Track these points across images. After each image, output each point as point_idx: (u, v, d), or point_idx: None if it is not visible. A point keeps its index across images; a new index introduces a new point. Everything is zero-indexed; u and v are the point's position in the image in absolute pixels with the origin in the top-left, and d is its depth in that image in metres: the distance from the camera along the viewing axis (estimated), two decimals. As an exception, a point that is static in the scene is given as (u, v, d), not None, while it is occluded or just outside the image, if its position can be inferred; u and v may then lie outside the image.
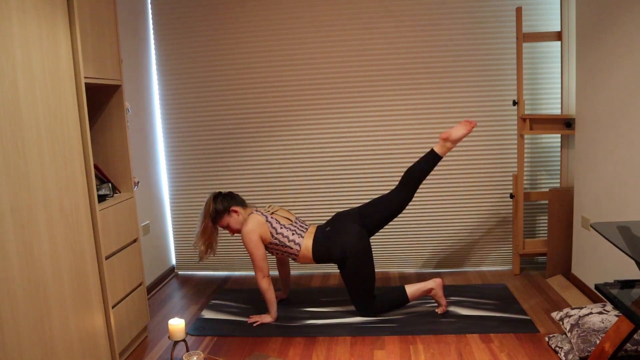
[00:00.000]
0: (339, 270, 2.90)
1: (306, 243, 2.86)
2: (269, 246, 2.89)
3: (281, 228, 2.86)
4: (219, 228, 3.00)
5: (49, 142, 1.98)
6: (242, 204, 2.99)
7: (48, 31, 1.99)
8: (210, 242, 2.95)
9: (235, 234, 3.01)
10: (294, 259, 2.91)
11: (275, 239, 2.85)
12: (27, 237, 1.83)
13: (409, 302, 2.89)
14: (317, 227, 2.96)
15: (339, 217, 2.94)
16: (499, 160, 3.57)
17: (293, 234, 2.87)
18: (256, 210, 2.94)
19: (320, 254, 2.86)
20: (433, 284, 2.88)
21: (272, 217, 2.89)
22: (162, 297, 3.44)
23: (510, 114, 3.52)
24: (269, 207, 3.01)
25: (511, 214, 3.62)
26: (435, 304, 3.02)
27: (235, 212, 2.92)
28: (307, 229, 2.95)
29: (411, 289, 2.88)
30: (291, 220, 2.94)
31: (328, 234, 2.87)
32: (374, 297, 2.88)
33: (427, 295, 2.92)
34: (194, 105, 3.72)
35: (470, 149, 3.57)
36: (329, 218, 3.70)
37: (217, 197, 2.95)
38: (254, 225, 2.83)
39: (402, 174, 3.60)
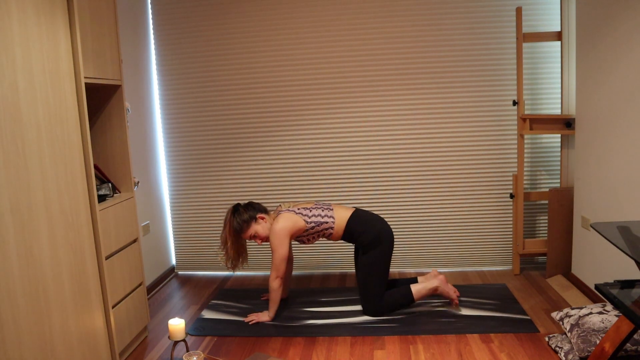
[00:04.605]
0: (359, 259, 2.92)
1: (339, 215, 2.93)
2: (306, 234, 2.91)
3: (311, 211, 2.92)
4: (246, 240, 2.99)
5: (49, 142, 1.98)
6: (265, 210, 2.98)
7: (48, 31, 1.99)
8: (232, 256, 2.94)
9: (264, 243, 3.00)
10: (330, 234, 2.94)
11: (312, 222, 2.89)
12: (27, 237, 1.83)
13: (414, 301, 2.93)
14: (357, 208, 3.03)
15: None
16: (499, 160, 3.57)
17: (323, 210, 2.94)
18: (288, 209, 2.94)
19: (354, 227, 2.91)
20: (437, 282, 2.93)
21: (298, 209, 2.94)
22: (162, 297, 3.44)
23: (510, 114, 3.52)
24: (288, 205, 3.02)
25: (511, 214, 3.62)
26: (439, 305, 3.02)
27: (262, 218, 2.92)
28: (330, 204, 3.01)
29: (416, 288, 2.92)
30: (313, 203, 3.02)
31: (369, 215, 2.95)
32: (382, 298, 2.90)
33: (434, 294, 2.96)
34: (194, 105, 3.72)
35: (470, 149, 3.57)
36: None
37: (237, 208, 2.92)
38: (286, 222, 2.83)
39: (401, 174, 3.62)
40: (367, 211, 3.01)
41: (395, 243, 3.72)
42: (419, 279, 3.09)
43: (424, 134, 3.58)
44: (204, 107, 3.71)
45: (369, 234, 2.88)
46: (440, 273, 3.12)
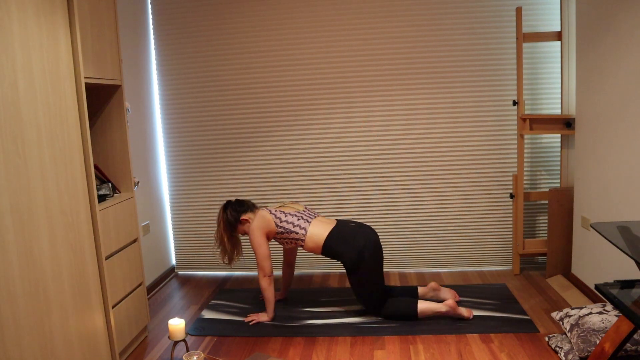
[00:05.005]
0: (345, 271, 2.89)
1: (316, 230, 2.83)
2: (277, 237, 2.90)
3: (286, 216, 2.88)
4: (239, 235, 3.03)
5: (49, 142, 1.98)
6: (252, 208, 2.97)
7: (48, 31, 1.99)
8: (228, 250, 2.98)
9: None
10: (301, 246, 2.88)
11: (281, 227, 2.86)
12: (27, 237, 1.83)
13: (417, 319, 2.84)
14: (339, 220, 2.95)
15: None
16: (499, 160, 3.57)
17: (298, 220, 2.87)
18: (265, 207, 2.97)
19: (333, 247, 2.79)
20: (445, 308, 2.81)
21: (276, 210, 2.92)
22: (162, 297, 3.44)
23: (510, 114, 3.52)
24: (279, 205, 3.03)
25: (511, 214, 3.62)
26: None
27: (246, 220, 2.93)
28: (315, 216, 2.94)
29: (423, 306, 2.81)
30: (298, 210, 2.97)
31: (350, 230, 2.83)
32: (380, 299, 2.86)
33: (442, 316, 2.85)
34: (194, 105, 3.72)
35: (470, 149, 3.57)
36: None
37: (227, 207, 2.96)
38: (259, 222, 2.85)
39: (401, 174, 3.62)
40: (348, 224, 2.88)
41: (395, 243, 3.72)
42: (420, 290, 3.03)
43: (424, 134, 3.58)
44: (204, 107, 3.71)
45: (349, 255, 2.76)
46: (440, 287, 3.03)
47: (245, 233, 2.96)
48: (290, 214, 2.90)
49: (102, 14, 2.45)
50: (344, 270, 3.79)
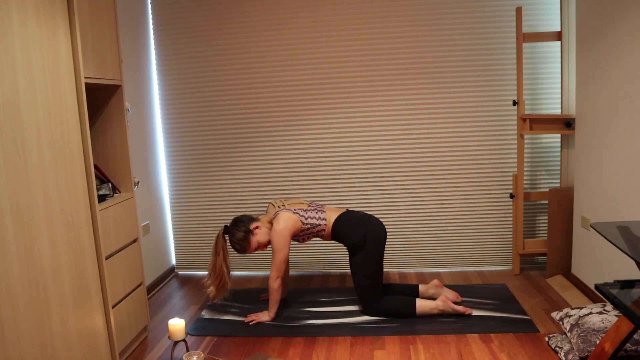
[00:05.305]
0: (349, 262, 2.92)
1: (329, 216, 2.95)
2: (302, 234, 2.92)
3: (306, 212, 2.93)
4: (229, 265, 2.90)
5: (49, 142, 1.98)
6: (253, 218, 2.96)
7: (48, 31, 2.00)
8: (228, 282, 2.88)
9: (269, 247, 3.00)
10: (322, 236, 2.96)
11: (307, 223, 2.90)
12: (27, 237, 1.83)
13: (416, 316, 2.87)
14: (348, 209, 3.02)
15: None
16: (499, 160, 3.57)
17: (317, 212, 2.95)
18: (284, 208, 2.94)
19: (339, 229, 2.91)
20: (441, 302, 2.86)
21: (296, 209, 2.93)
22: (162, 297, 3.44)
23: (510, 114, 3.52)
24: (280, 203, 3.04)
25: (511, 214, 3.62)
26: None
27: (257, 227, 2.91)
28: (323, 206, 3.03)
29: (421, 303, 2.86)
30: (307, 204, 3.02)
31: (357, 217, 2.93)
32: (379, 296, 2.89)
33: (441, 314, 2.88)
34: (194, 105, 3.72)
35: (470, 149, 3.57)
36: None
37: (228, 230, 2.89)
38: (286, 223, 2.83)
39: (401, 174, 3.62)
40: (357, 213, 2.97)
41: (395, 243, 3.72)
42: (420, 287, 3.07)
43: (424, 134, 3.58)
44: (204, 107, 3.71)
45: (353, 237, 2.86)
46: (442, 285, 3.07)
47: (259, 244, 2.90)
48: (307, 210, 2.95)
49: (102, 14, 2.45)
50: (344, 271, 3.79)
